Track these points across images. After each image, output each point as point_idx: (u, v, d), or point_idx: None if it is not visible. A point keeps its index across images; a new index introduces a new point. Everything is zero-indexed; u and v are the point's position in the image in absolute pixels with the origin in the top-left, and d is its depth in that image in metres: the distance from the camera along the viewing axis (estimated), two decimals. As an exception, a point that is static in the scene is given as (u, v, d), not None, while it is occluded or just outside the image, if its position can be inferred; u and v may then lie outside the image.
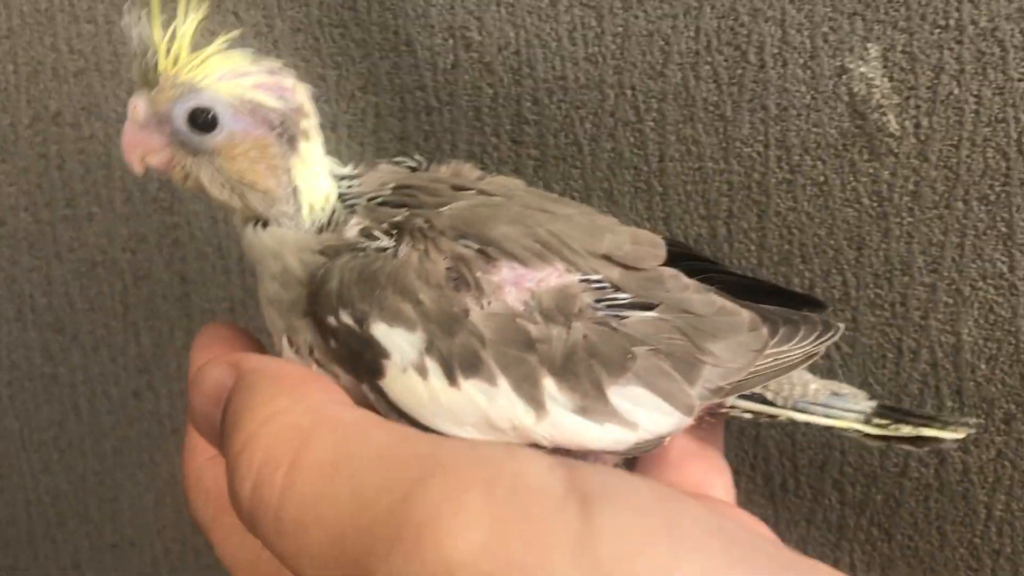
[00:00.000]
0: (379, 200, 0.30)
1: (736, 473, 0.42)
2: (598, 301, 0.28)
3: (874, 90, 0.37)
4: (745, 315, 0.31)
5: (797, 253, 0.39)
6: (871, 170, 0.37)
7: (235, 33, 0.29)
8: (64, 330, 0.48)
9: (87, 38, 0.43)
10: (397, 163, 0.33)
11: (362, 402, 0.28)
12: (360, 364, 0.27)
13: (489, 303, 0.27)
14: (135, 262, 0.46)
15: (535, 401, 0.27)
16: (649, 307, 0.29)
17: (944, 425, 0.33)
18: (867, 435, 0.33)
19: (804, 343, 0.32)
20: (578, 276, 0.28)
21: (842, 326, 0.33)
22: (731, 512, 0.29)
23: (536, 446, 0.28)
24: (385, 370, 0.27)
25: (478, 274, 0.28)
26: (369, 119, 0.42)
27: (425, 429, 0.27)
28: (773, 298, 0.33)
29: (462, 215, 0.29)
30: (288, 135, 0.29)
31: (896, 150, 0.37)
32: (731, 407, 0.32)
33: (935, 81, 0.36)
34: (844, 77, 0.37)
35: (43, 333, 0.48)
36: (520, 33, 0.39)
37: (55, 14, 0.43)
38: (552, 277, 0.28)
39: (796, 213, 0.38)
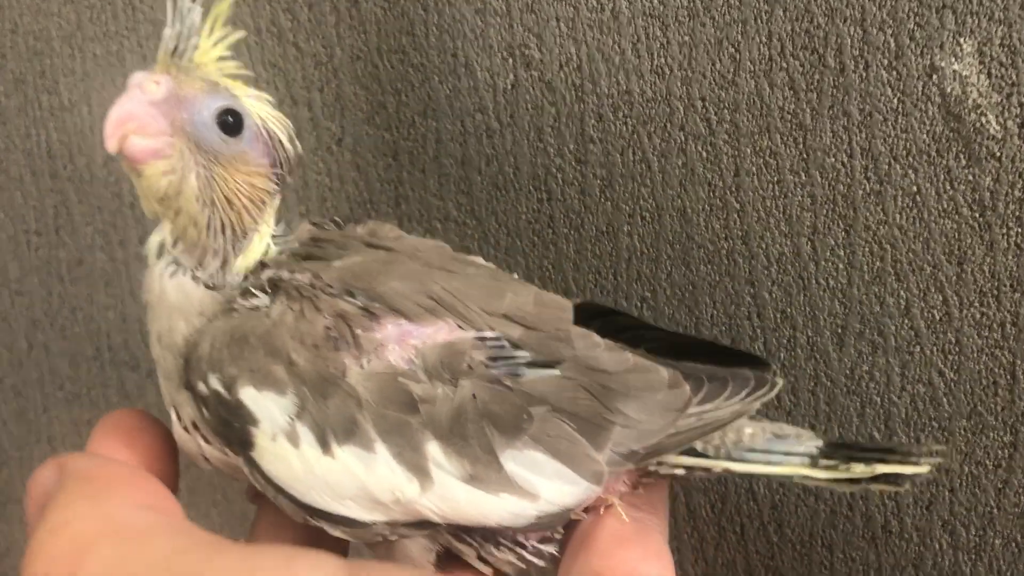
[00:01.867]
0: (289, 251, 0.28)
1: (832, 513, 0.38)
2: (493, 359, 0.26)
3: (970, 89, 0.33)
4: (664, 372, 0.28)
5: (891, 271, 0.36)
6: (970, 177, 0.34)
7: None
8: (139, 367, 0.48)
9: (155, 77, 0.44)
10: (317, 224, 0.31)
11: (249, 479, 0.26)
12: (232, 434, 0.26)
13: (369, 362, 0.25)
14: (206, 298, 0.46)
15: (418, 468, 0.25)
16: (551, 365, 0.27)
17: (905, 457, 0.29)
18: (829, 480, 0.29)
19: (733, 400, 0.29)
20: (472, 333, 0.26)
21: (781, 381, 0.30)
22: None
23: (429, 523, 0.26)
24: (254, 439, 0.25)
25: (358, 331, 0.25)
26: (430, 145, 0.40)
27: (303, 505, 0.26)
28: (711, 355, 0.30)
29: (352, 269, 0.27)
30: (280, 178, 0.28)
31: (998, 153, 0.33)
32: (659, 464, 0.29)
33: (1040, 75, 0.32)
34: (935, 77, 0.33)
35: (119, 370, 0.49)
36: (581, 48, 0.37)
37: (125, 55, 0.44)
38: (441, 333, 0.26)
39: (888, 227, 0.35)
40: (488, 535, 0.27)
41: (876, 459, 0.29)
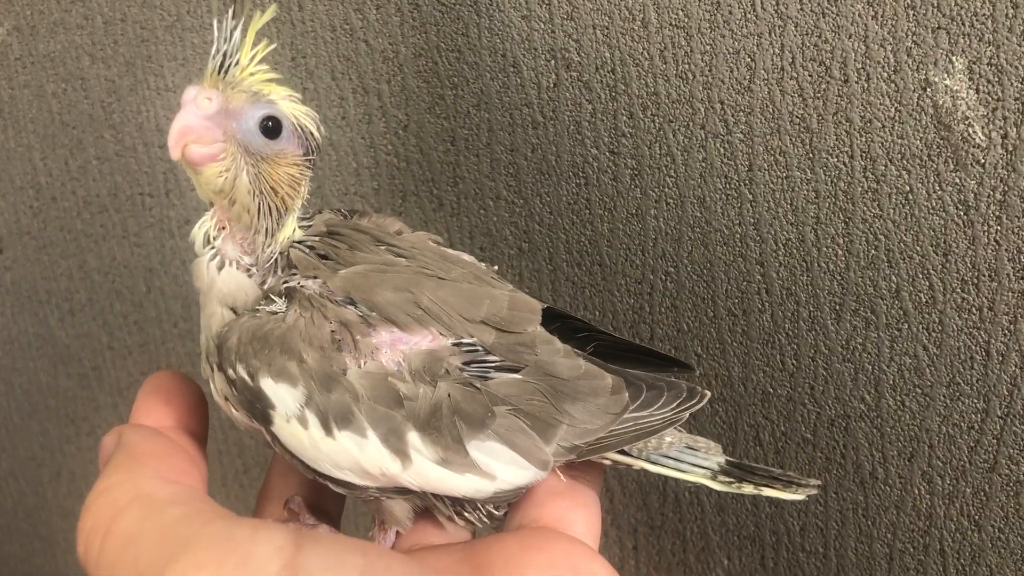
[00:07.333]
0: (309, 244, 0.32)
1: (827, 460, 0.44)
2: (468, 363, 0.30)
3: (959, 102, 0.37)
4: (609, 379, 0.32)
5: (884, 258, 0.40)
6: (957, 180, 0.38)
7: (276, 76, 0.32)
8: (240, 312, 0.56)
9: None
10: (332, 212, 0.34)
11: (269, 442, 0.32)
12: (255, 412, 0.30)
13: (365, 363, 0.30)
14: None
15: (401, 452, 0.30)
16: (516, 369, 0.31)
17: (787, 485, 0.33)
18: (724, 491, 0.34)
19: (665, 409, 0.32)
20: (451, 340, 0.30)
21: (708, 393, 0.33)
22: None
23: (409, 491, 0.31)
24: (272, 419, 0.30)
25: (358, 337, 0.30)
26: (483, 133, 0.46)
27: (313, 470, 0.31)
28: (651, 360, 0.34)
29: (354, 280, 0.31)
30: (311, 163, 0.32)
31: (982, 160, 0.37)
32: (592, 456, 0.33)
33: (1023, 92, 0.36)
34: (928, 90, 0.37)
35: (224, 314, 0.56)
36: (615, 53, 0.42)
37: (219, 46, 0.50)
38: (425, 341, 0.30)
39: (882, 220, 0.40)
40: (455, 501, 0.32)
41: (763, 483, 0.34)
